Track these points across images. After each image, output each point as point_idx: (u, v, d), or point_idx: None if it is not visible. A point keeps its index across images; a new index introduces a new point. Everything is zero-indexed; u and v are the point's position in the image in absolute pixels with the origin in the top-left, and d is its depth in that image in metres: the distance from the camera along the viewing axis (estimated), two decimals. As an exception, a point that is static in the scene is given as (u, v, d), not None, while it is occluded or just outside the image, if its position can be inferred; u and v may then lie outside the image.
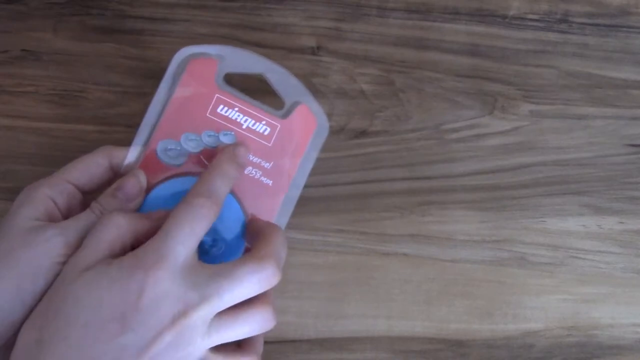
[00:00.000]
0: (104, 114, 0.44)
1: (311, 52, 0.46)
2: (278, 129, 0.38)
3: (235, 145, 0.37)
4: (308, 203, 0.43)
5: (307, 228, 0.43)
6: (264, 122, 0.38)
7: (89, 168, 0.36)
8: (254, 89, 0.40)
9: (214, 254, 0.36)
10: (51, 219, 0.34)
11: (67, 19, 0.46)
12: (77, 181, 0.35)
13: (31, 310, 0.32)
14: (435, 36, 0.47)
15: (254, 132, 0.38)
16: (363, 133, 0.45)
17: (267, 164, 0.38)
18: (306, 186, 0.43)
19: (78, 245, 0.33)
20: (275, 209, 0.38)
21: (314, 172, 0.44)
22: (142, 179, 0.36)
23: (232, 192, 0.37)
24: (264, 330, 0.33)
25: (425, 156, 0.44)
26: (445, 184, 0.44)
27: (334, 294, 0.42)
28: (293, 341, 0.41)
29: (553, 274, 0.43)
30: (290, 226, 0.43)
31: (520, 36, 0.47)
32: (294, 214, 0.43)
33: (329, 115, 0.45)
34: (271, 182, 0.38)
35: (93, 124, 0.44)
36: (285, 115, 0.38)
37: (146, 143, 0.37)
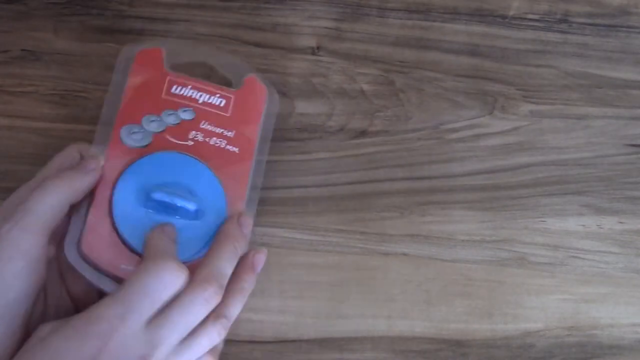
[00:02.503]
0: (104, 114, 0.44)
1: (311, 52, 0.46)
2: (232, 99, 0.40)
3: (239, 214, 0.38)
4: (308, 203, 0.43)
5: (307, 228, 0.43)
6: (218, 95, 0.40)
7: (64, 164, 0.36)
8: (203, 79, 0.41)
9: (208, 221, 0.37)
10: None
11: (67, 19, 0.46)
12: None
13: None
14: (435, 36, 0.47)
15: (210, 105, 0.40)
16: (363, 133, 0.45)
17: (230, 132, 0.39)
18: (307, 186, 0.44)
19: (44, 230, 0.32)
20: (246, 174, 0.39)
21: (314, 172, 0.44)
22: (101, 158, 0.36)
23: (208, 166, 0.38)
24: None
25: (425, 156, 0.44)
26: (445, 184, 0.44)
27: (334, 294, 0.42)
28: (293, 341, 0.41)
29: (553, 274, 0.43)
30: (290, 226, 0.43)
31: (520, 36, 0.47)
32: (294, 214, 0.43)
33: (329, 116, 0.45)
34: (237, 149, 0.39)
35: (93, 124, 0.44)
36: (235, 88, 0.41)
37: (107, 140, 0.38)
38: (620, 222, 0.44)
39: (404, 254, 0.43)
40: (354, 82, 0.46)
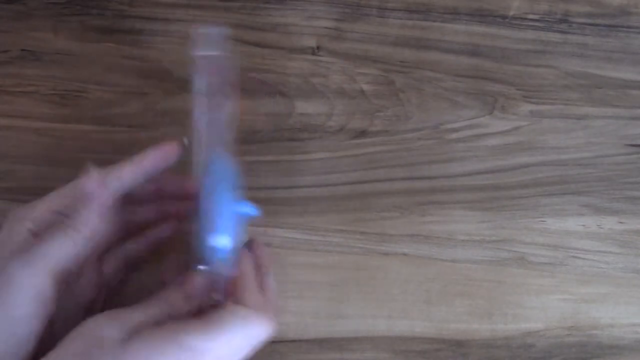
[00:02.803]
0: (104, 114, 0.44)
1: (311, 52, 0.46)
2: None
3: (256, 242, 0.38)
4: (308, 203, 0.43)
5: (307, 228, 0.43)
6: None
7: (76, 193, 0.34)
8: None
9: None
10: None
11: (67, 19, 0.46)
12: (60, 208, 0.34)
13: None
14: (435, 36, 0.47)
15: None
16: (363, 133, 0.45)
17: None
18: (307, 186, 0.44)
19: (49, 274, 0.32)
20: None
21: (314, 172, 0.44)
22: (108, 180, 0.34)
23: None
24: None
25: (425, 156, 0.44)
26: (445, 184, 0.44)
27: (334, 294, 0.42)
28: (293, 341, 0.41)
29: (553, 274, 0.43)
30: (290, 226, 0.43)
31: (520, 36, 0.47)
32: (294, 214, 0.43)
33: (329, 116, 0.45)
34: None
35: (93, 124, 0.44)
36: None
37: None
38: (620, 222, 0.44)
39: (404, 254, 0.43)
40: (354, 82, 0.46)
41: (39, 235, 0.33)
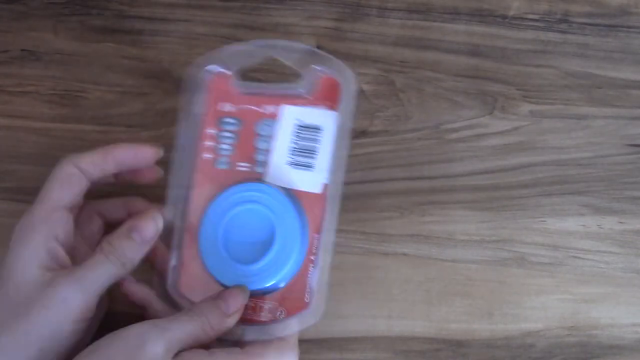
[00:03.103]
0: (104, 114, 0.44)
1: (311, 52, 0.46)
2: None
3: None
4: (308, 203, 0.43)
5: (307, 228, 0.43)
6: None
7: (67, 184, 0.35)
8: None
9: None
10: (57, 261, 0.33)
11: (67, 19, 0.46)
12: (62, 202, 0.34)
13: None
14: (435, 36, 0.47)
15: None
16: (363, 133, 0.45)
17: None
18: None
19: (97, 297, 0.33)
20: None
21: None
22: (159, 222, 0.34)
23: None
24: None
25: (425, 156, 0.44)
26: (445, 184, 0.44)
27: (334, 294, 0.42)
28: (293, 341, 0.41)
29: (553, 274, 0.43)
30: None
31: (520, 36, 0.47)
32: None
33: (329, 115, 0.45)
34: None
35: (93, 124, 0.44)
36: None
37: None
38: (620, 222, 0.44)
39: (404, 254, 0.43)
40: (354, 82, 0.46)
41: (58, 236, 0.34)
